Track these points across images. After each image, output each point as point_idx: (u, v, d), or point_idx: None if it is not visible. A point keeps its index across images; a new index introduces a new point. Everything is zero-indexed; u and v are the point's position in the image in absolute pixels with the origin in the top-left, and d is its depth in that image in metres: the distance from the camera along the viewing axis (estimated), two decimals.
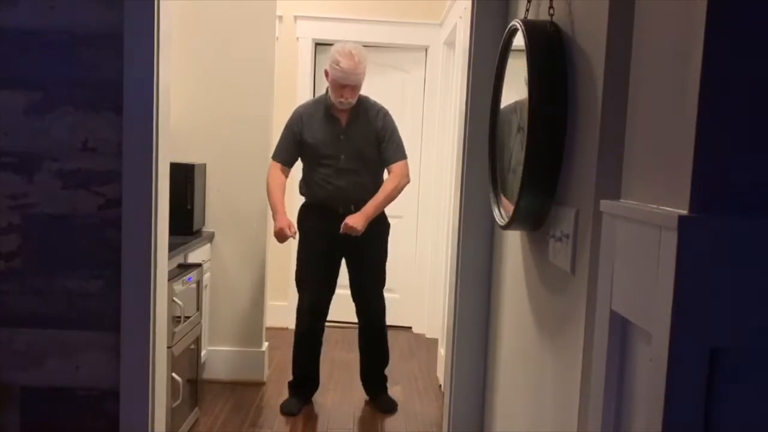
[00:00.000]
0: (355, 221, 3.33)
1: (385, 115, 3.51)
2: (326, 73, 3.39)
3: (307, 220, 3.48)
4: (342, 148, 3.40)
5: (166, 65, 2.02)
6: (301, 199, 3.57)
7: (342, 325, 4.69)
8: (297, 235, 3.48)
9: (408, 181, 3.53)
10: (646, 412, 0.87)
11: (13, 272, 1.99)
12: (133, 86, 1.94)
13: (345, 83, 3.31)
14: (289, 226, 3.39)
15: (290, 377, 3.62)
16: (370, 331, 3.59)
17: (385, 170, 3.51)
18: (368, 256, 3.50)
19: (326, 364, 3.90)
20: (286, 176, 3.50)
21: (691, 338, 0.78)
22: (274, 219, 3.42)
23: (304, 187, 3.50)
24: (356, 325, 3.64)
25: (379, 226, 3.49)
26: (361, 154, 3.43)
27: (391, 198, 3.46)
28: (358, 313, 3.58)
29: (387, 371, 3.70)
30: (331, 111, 3.41)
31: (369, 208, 3.38)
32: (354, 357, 3.78)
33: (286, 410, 3.49)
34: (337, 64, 3.30)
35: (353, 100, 3.38)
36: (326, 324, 3.60)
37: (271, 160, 3.50)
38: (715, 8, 0.77)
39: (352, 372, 3.98)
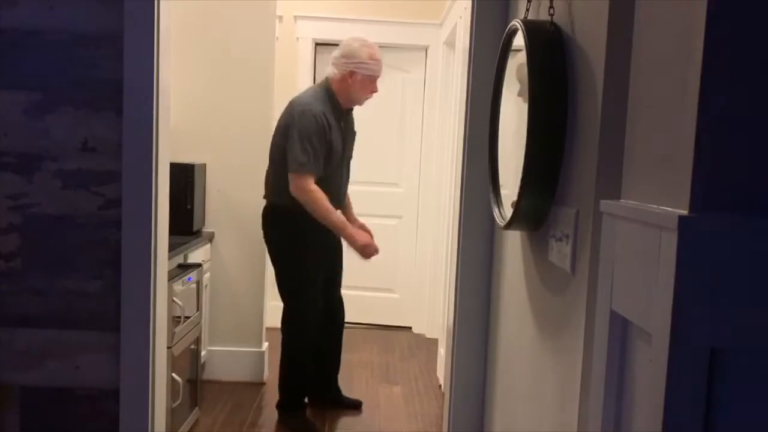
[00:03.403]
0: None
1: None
2: (351, 74, 3.17)
3: (307, 231, 3.19)
4: (348, 149, 3.33)
5: (166, 65, 2.02)
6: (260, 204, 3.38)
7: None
8: (288, 246, 3.29)
9: None
10: (646, 412, 0.87)
11: (13, 272, 1.99)
12: (133, 86, 1.94)
13: (380, 75, 3.25)
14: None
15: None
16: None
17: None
18: (342, 259, 3.49)
19: None
20: None
21: (691, 338, 0.78)
22: (349, 235, 3.23)
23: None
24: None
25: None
26: (351, 155, 3.39)
27: None
28: (329, 318, 3.49)
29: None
30: (341, 110, 3.25)
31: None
32: (353, 357, 3.77)
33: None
34: (373, 58, 3.19)
35: None
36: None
37: (300, 172, 3.09)
38: (715, 8, 0.77)
39: (351, 372, 3.99)
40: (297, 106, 3.18)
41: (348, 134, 3.32)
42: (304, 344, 3.32)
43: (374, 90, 3.27)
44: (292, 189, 3.12)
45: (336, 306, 3.49)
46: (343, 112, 3.26)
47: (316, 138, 3.09)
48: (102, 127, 1.96)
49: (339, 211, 3.26)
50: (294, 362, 3.34)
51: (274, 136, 3.26)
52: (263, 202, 3.77)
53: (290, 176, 3.11)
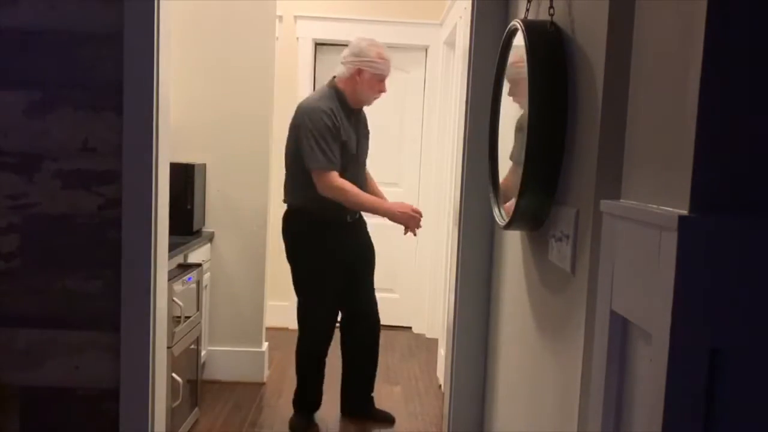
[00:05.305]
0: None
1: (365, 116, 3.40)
2: (359, 72, 3.16)
3: (321, 232, 3.19)
4: (361, 149, 3.29)
5: (166, 65, 2.02)
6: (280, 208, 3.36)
7: None
8: (301, 251, 3.26)
9: None
10: (646, 413, 0.87)
11: (13, 272, 1.99)
12: (133, 86, 1.94)
13: (387, 74, 3.25)
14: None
15: (291, 383, 3.51)
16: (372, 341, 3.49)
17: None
18: (371, 264, 3.42)
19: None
20: None
21: (691, 338, 0.78)
22: (387, 210, 3.21)
23: (313, 196, 3.11)
24: None
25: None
26: (365, 157, 3.35)
27: None
28: (358, 322, 3.43)
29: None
30: (350, 108, 3.22)
31: None
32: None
33: (297, 427, 3.37)
34: (381, 57, 3.18)
35: None
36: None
37: (322, 171, 3.07)
38: (715, 8, 0.77)
39: None
40: (305, 107, 3.17)
41: (361, 133, 3.29)
42: (310, 346, 3.32)
43: (382, 90, 3.25)
44: (320, 189, 3.10)
45: (363, 309, 3.41)
46: (353, 110, 3.24)
47: (329, 134, 3.08)
48: (102, 127, 1.96)
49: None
50: (299, 363, 3.36)
51: (287, 140, 3.24)
52: (263, 202, 3.78)
53: (314, 176, 3.09)
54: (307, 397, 3.41)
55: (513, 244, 1.96)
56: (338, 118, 3.12)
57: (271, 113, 3.85)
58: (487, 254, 2.28)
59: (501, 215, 1.78)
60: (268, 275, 3.96)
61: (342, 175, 3.12)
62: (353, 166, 3.20)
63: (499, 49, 1.78)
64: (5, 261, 1.99)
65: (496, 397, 2.15)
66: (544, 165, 1.48)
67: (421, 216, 3.24)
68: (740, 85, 0.78)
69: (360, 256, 3.35)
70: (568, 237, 1.39)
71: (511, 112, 1.75)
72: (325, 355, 3.37)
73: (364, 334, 3.43)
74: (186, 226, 3.53)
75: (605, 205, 1.03)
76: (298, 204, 3.20)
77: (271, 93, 3.84)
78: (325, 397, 3.46)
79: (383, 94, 3.29)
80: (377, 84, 3.21)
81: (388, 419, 3.49)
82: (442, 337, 3.66)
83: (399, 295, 5.26)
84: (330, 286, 3.25)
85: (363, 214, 3.36)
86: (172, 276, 2.85)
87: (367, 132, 3.37)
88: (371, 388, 3.52)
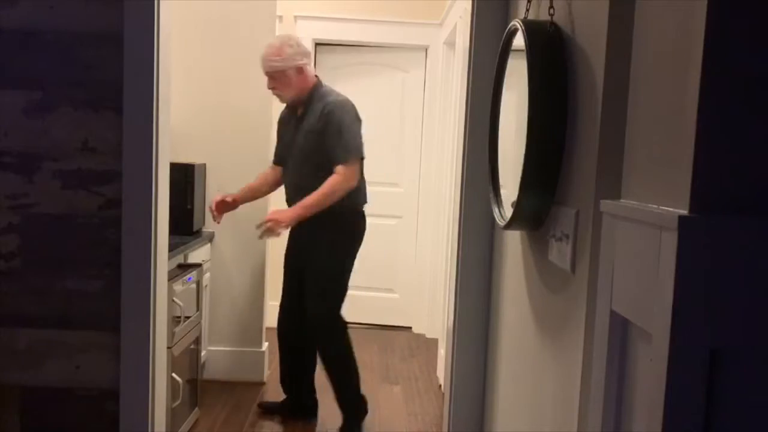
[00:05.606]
0: (276, 215, 3.15)
1: (330, 111, 3.11)
2: None
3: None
4: (293, 147, 3.24)
5: (166, 65, 2.02)
6: None
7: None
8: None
9: (349, 185, 3.10)
10: (646, 413, 0.87)
11: (13, 272, 1.99)
12: (133, 86, 1.94)
13: (264, 70, 3.19)
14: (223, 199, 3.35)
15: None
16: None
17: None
18: (311, 268, 3.22)
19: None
20: (276, 174, 3.41)
21: (691, 338, 0.78)
22: None
23: None
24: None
25: (323, 232, 3.16)
26: (304, 154, 3.18)
27: (322, 200, 3.07)
28: (303, 321, 3.32)
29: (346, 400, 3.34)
30: (291, 107, 3.30)
31: (297, 207, 3.12)
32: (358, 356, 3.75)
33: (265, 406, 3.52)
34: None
35: (282, 93, 3.20)
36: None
37: None
38: (715, 9, 0.77)
39: None
40: None
41: (300, 129, 3.22)
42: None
43: (268, 86, 3.24)
44: None
45: (306, 310, 3.27)
46: (296, 108, 3.27)
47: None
48: (102, 127, 1.96)
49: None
50: None
51: None
52: (263, 202, 3.79)
53: None
54: (284, 388, 3.50)
55: (513, 244, 1.96)
56: (281, 118, 3.39)
57: (271, 113, 3.84)
58: (487, 254, 2.28)
59: (501, 215, 1.78)
60: (268, 275, 3.96)
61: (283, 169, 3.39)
62: (290, 160, 3.29)
63: (499, 49, 1.78)
64: (5, 261, 1.99)
65: (496, 397, 2.15)
66: (544, 165, 1.48)
67: (214, 212, 3.35)
68: (740, 84, 0.78)
69: (299, 258, 3.29)
70: (568, 237, 1.39)
71: (511, 111, 1.75)
72: (282, 345, 3.42)
73: (303, 334, 3.35)
74: (186, 226, 3.53)
75: (605, 205, 1.03)
76: None
77: (272, 93, 3.84)
78: (325, 400, 3.46)
79: (274, 93, 3.26)
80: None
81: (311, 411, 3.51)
82: (442, 337, 3.66)
83: (399, 295, 5.26)
84: (285, 278, 3.40)
85: (342, 215, 3.22)
86: (172, 276, 2.84)
87: (312, 127, 3.16)
88: (310, 389, 3.50)
